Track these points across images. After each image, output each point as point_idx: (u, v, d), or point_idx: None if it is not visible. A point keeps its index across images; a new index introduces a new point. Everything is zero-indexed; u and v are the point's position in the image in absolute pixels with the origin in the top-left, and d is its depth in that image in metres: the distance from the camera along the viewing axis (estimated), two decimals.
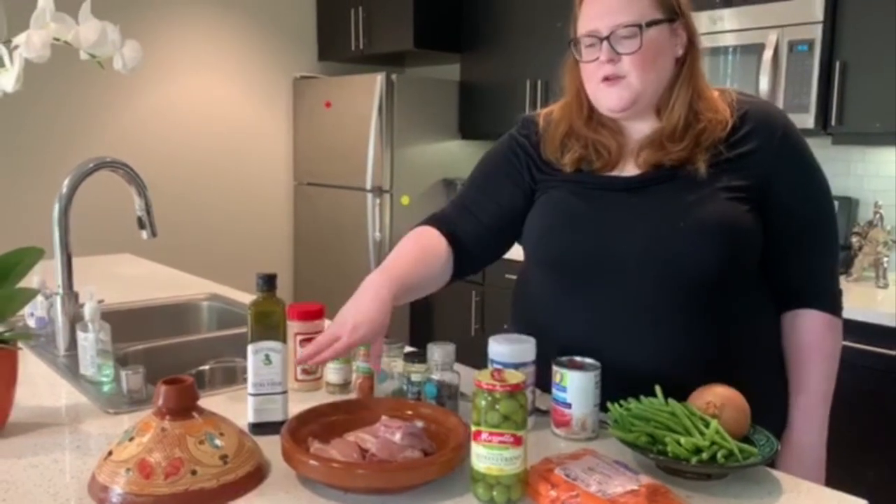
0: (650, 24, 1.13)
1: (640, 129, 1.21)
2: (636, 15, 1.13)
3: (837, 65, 2.50)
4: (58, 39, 1.09)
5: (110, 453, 0.94)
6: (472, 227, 1.30)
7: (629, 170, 1.21)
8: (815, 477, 1.18)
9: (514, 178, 1.30)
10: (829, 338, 1.21)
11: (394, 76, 3.72)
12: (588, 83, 1.19)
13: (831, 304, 1.22)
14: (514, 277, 1.39)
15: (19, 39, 1.07)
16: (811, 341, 1.21)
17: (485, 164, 1.37)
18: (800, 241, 1.19)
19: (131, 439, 0.93)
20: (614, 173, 1.21)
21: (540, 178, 1.28)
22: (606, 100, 1.17)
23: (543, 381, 1.15)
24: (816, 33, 2.50)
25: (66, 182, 1.52)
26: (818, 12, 2.49)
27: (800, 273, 1.21)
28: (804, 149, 1.20)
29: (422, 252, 1.24)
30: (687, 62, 1.18)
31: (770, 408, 1.15)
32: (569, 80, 1.25)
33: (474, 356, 1.49)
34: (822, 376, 1.21)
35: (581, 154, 1.22)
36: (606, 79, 1.15)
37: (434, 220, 1.31)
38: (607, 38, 1.13)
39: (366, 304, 1.08)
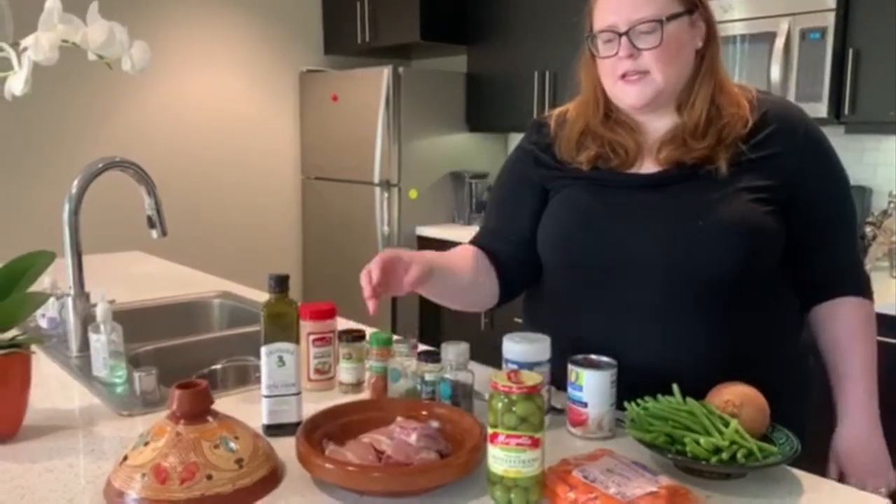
0: (671, 17, 1.10)
1: (660, 126, 1.19)
2: (656, 8, 1.09)
3: (850, 53, 2.46)
4: (66, 41, 1.07)
5: (126, 458, 0.93)
6: (504, 247, 1.30)
7: (648, 167, 1.18)
8: (883, 463, 1.18)
9: (528, 187, 1.29)
10: (868, 323, 1.21)
11: (400, 69, 3.70)
12: (606, 79, 1.17)
13: (865, 289, 1.21)
14: None
15: (27, 42, 1.06)
16: (853, 329, 1.20)
17: (499, 183, 1.37)
18: (828, 234, 1.18)
19: (146, 444, 0.93)
20: (632, 171, 1.19)
21: (552, 177, 1.26)
22: (627, 97, 1.14)
23: (558, 379, 1.14)
24: (829, 21, 2.47)
25: (75, 183, 1.51)
26: None
27: (831, 264, 1.20)
28: (825, 144, 1.18)
29: (450, 252, 1.28)
30: (707, 55, 1.15)
31: (790, 408, 1.13)
32: (585, 77, 1.23)
33: (484, 352, 1.48)
34: (868, 359, 1.20)
35: (597, 152, 1.20)
36: (625, 76, 1.13)
37: (469, 243, 1.34)
38: (626, 33, 1.10)
39: None
